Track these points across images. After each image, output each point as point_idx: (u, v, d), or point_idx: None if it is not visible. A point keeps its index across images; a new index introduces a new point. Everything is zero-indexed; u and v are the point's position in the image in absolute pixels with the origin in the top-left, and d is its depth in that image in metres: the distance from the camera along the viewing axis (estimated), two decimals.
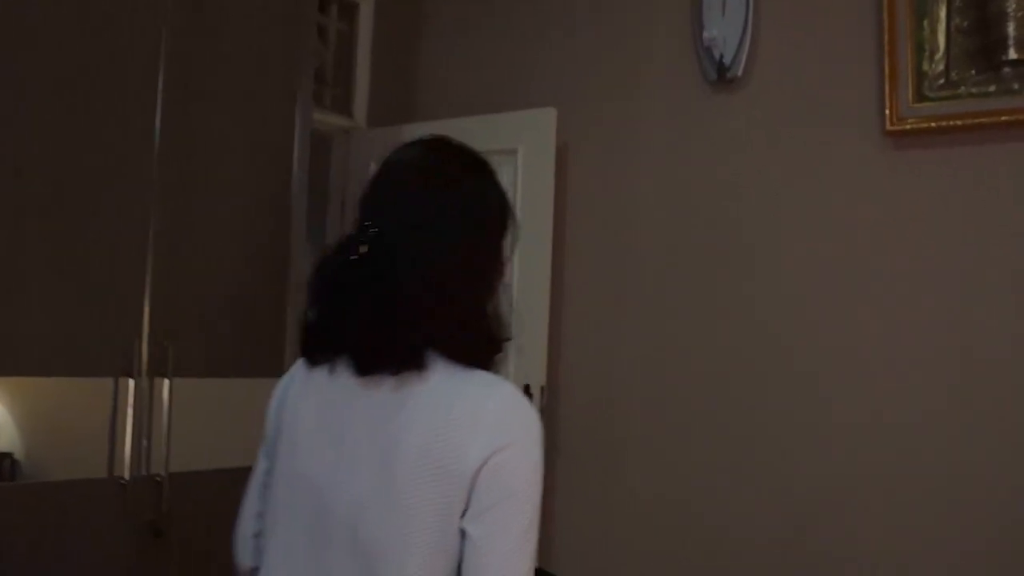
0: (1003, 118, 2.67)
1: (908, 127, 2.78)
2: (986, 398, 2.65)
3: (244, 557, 1.53)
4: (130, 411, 2.47)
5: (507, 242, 1.39)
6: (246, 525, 1.53)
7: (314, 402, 1.38)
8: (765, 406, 2.94)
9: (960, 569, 2.62)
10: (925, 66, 2.77)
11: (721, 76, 3.08)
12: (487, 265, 1.36)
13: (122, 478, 2.45)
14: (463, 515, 1.26)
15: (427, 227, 1.31)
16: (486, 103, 3.53)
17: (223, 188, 2.71)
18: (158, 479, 2.50)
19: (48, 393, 2.45)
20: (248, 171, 2.78)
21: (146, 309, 2.49)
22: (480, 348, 1.33)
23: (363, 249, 1.30)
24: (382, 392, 1.30)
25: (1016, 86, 2.67)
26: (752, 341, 2.98)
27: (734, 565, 2.94)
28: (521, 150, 3.31)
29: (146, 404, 2.50)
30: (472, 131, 3.49)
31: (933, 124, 2.75)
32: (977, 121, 2.70)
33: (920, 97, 2.77)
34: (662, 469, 3.12)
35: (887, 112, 2.79)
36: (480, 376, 1.30)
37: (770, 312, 2.96)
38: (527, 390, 3.17)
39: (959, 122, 2.72)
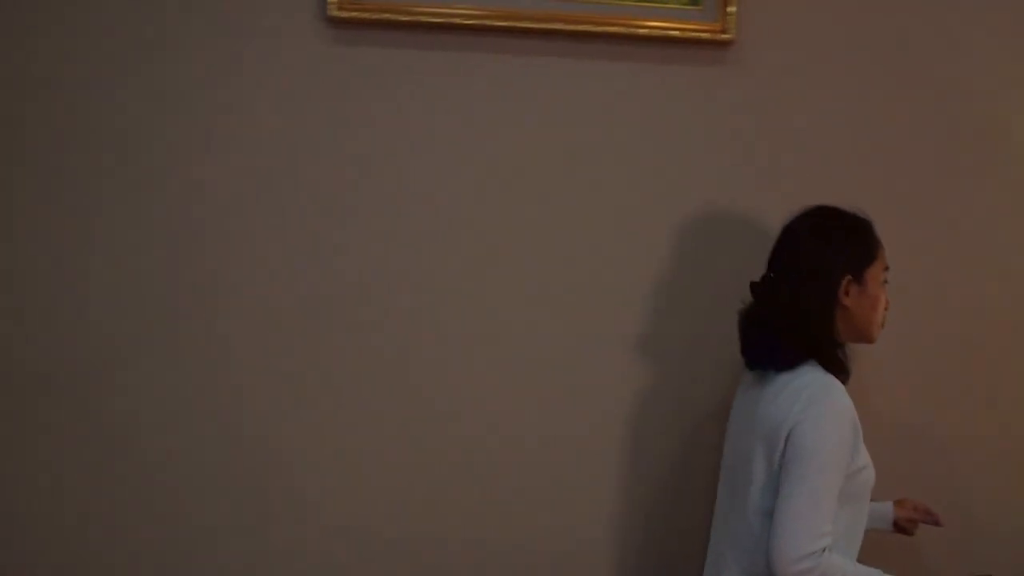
0: (433, 20, 2.14)
1: (354, 14, 2.15)
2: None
3: None
4: None
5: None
6: None
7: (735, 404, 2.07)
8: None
9: None
10: None
11: None
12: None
13: None
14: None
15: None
16: None
17: None
18: None
19: None
20: None
21: None
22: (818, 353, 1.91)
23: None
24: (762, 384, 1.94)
25: None
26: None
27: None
28: None
29: None
30: None
31: (375, 16, 2.14)
32: (411, 19, 2.14)
33: None
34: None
35: None
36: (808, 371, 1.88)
37: (190, 228, 2.17)
38: None
39: (394, 16, 2.14)
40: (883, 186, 2.37)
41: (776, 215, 2.06)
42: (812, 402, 1.80)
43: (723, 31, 2.24)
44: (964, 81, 2.41)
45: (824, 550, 1.76)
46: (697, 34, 2.23)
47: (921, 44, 2.39)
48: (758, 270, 2.00)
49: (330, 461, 2.20)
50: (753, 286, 1.97)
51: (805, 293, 1.88)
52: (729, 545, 1.94)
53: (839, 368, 1.90)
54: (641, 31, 2.21)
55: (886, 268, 1.97)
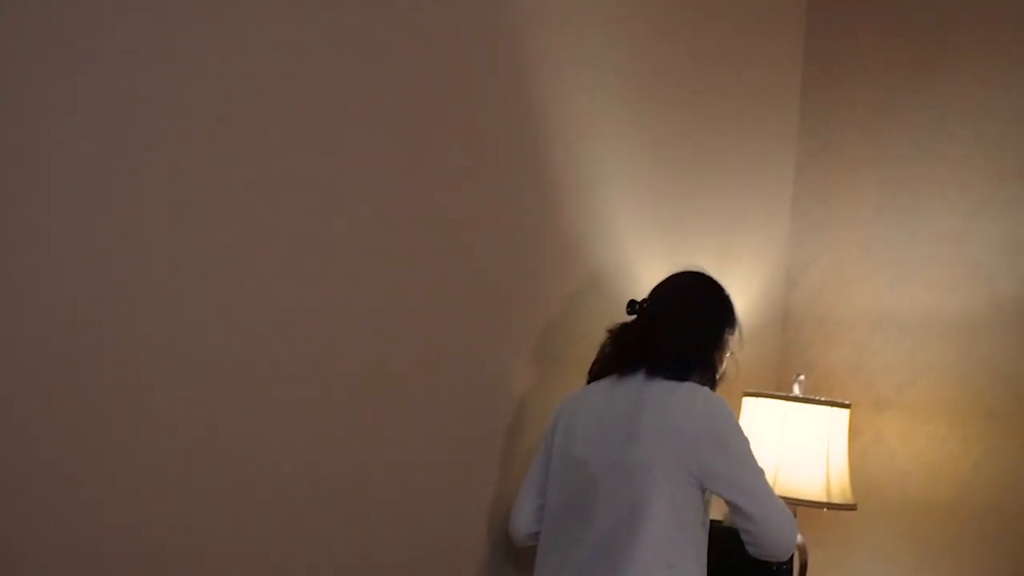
0: None
1: None
2: None
3: (524, 525, 2.21)
4: None
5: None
6: (530, 499, 2.20)
7: (587, 407, 2.16)
8: None
9: None
10: None
11: None
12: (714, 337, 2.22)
13: None
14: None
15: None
16: None
17: None
18: None
19: None
20: None
21: None
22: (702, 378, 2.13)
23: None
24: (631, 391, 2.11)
25: None
26: None
27: None
28: None
29: None
30: None
31: None
32: None
33: None
34: None
35: None
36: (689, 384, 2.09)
37: None
38: None
39: None
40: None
41: None
42: (713, 407, 2.04)
43: None
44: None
45: None
46: None
47: None
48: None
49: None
50: (641, 310, 2.21)
51: (712, 333, 2.21)
52: (615, 553, 1.97)
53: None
54: None
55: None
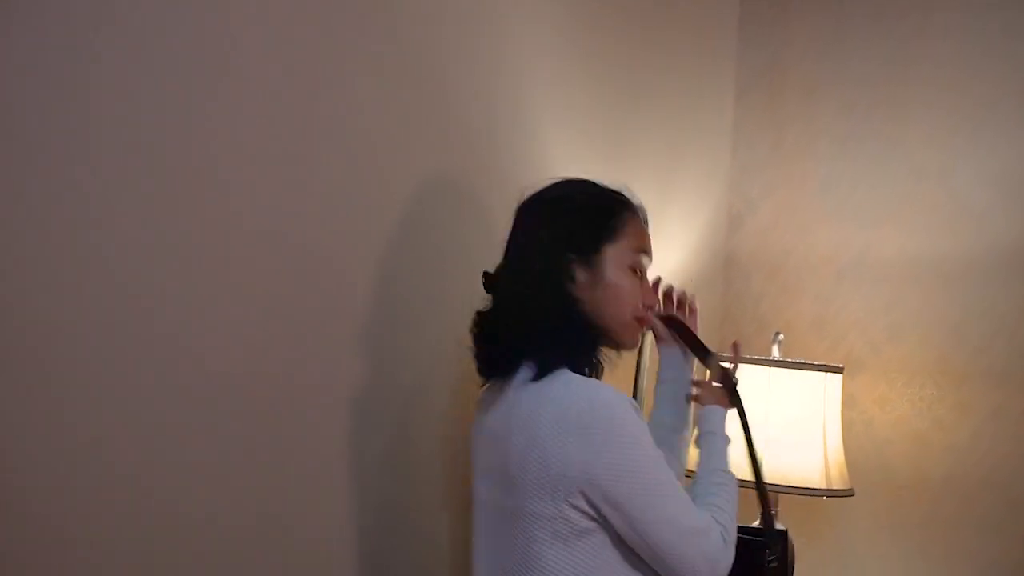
0: None
1: None
2: None
3: None
4: None
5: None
6: None
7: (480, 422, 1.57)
8: None
9: None
10: None
11: None
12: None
13: None
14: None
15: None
16: None
17: None
18: None
19: None
20: None
21: None
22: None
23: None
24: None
25: None
26: None
27: None
28: None
29: None
30: None
31: None
32: None
33: None
34: None
35: None
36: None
37: None
38: None
39: None
40: None
41: None
42: (591, 428, 1.36)
43: None
44: None
45: (714, 521, 1.43)
46: None
47: None
48: None
49: None
50: (486, 279, 1.54)
51: (527, 281, 1.47)
52: None
53: (593, 369, 1.52)
54: None
55: (642, 252, 1.53)
